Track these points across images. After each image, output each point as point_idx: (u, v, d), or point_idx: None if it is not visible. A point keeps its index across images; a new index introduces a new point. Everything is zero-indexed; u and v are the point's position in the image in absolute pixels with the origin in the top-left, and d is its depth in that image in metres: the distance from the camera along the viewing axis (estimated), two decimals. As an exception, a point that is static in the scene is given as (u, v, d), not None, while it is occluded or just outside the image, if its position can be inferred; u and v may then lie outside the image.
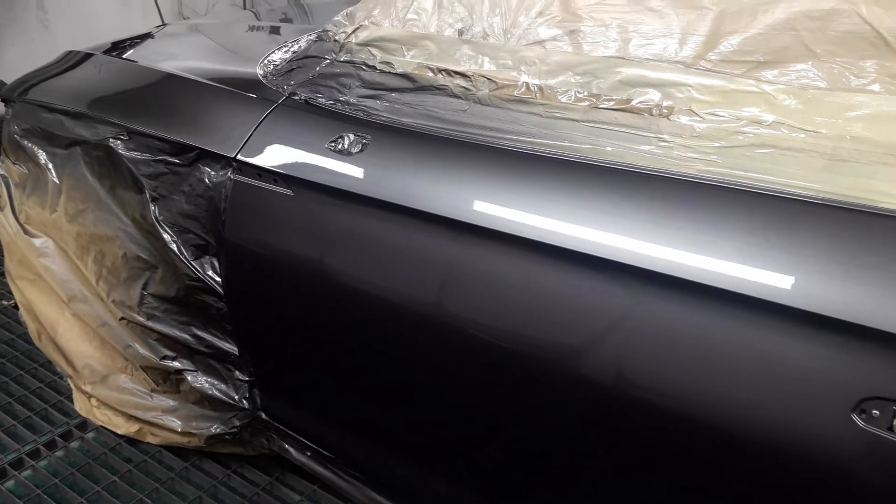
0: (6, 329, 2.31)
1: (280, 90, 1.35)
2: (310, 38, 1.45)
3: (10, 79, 2.04)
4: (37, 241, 1.78)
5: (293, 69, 1.39)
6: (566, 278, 0.94)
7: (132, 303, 1.62)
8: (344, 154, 1.19)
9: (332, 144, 1.21)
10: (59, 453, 1.83)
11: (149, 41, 1.91)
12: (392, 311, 1.14)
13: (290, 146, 1.27)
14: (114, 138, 1.52)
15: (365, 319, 1.19)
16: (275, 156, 1.28)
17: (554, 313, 0.95)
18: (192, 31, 2.12)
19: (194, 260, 1.48)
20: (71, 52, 1.88)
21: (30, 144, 1.75)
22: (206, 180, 1.40)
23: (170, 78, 1.54)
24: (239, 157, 1.32)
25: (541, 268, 0.96)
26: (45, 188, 1.72)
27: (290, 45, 1.56)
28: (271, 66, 1.47)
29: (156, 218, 1.49)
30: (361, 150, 1.17)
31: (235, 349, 1.53)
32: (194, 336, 1.58)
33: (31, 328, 1.92)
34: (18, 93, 1.84)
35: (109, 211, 1.61)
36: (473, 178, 1.05)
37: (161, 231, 1.49)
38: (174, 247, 1.49)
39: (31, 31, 4.91)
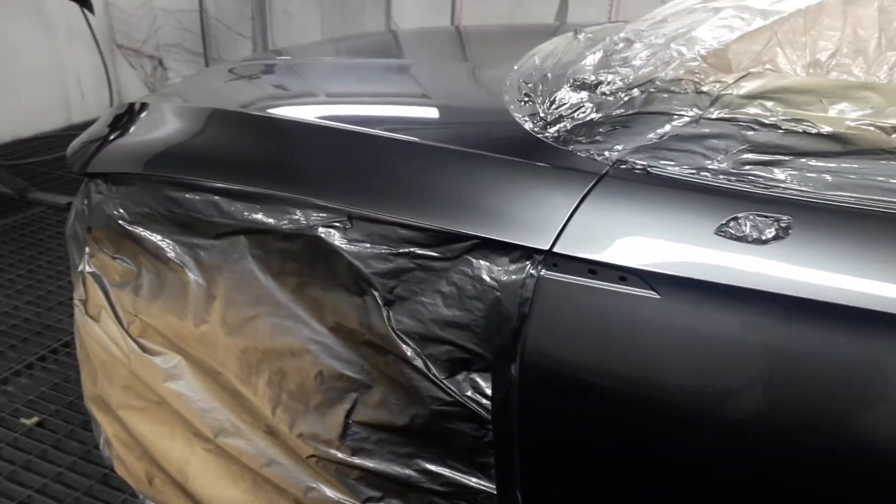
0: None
1: (592, 156, 1.05)
2: (600, 87, 1.14)
3: None
4: (160, 360, 1.35)
5: (597, 125, 1.09)
6: None
7: (330, 435, 1.24)
8: (749, 241, 0.91)
9: (726, 229, 0.93)
10: None
11: (289, 79, 1.53)
12: (837, 470, 0.87)
13: (647, 233, 0.97)
14: (325, 226, 1.15)
15: (780, 475, 0.91)
16: (621, 246, 0.97)
17: None
18: (343, 63, 1.73)
19: (447, 378, 1.14)
20: (168, 105, 1.47)
21: (147, 234, 1.32)
22: (486, 278, 1.07)
23: (408, 145, 1.18)
24: (557, 248, 1.01)
25: None
26: (178, 292, 1.30)
27: (545, 87, 1.26)
28: (541, 121, 1.15)
29: (391, 327, 1.14)
30: (779, 236, 0.90)
31: (491, 486, 1.19)
32: (422, 471, 1.22)
33: (137, 469, 1.47)
34: (107, 164, 1.41)
35: (295, 318, 1.23)
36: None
37: (397, 343, 1.14)
38: (419, 362, 1.14)
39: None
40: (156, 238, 1.31)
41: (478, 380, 1.13)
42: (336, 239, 1.14)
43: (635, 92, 1.07)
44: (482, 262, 1.07)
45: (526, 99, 1.29)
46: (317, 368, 1.23)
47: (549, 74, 1.36)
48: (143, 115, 1.54)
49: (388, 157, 1.17)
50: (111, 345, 1.38)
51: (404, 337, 1.14)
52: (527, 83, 1.38)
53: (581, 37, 1.88)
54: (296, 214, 1.17)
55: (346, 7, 4.19)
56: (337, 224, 1.14)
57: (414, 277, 1.12)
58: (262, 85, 1.55)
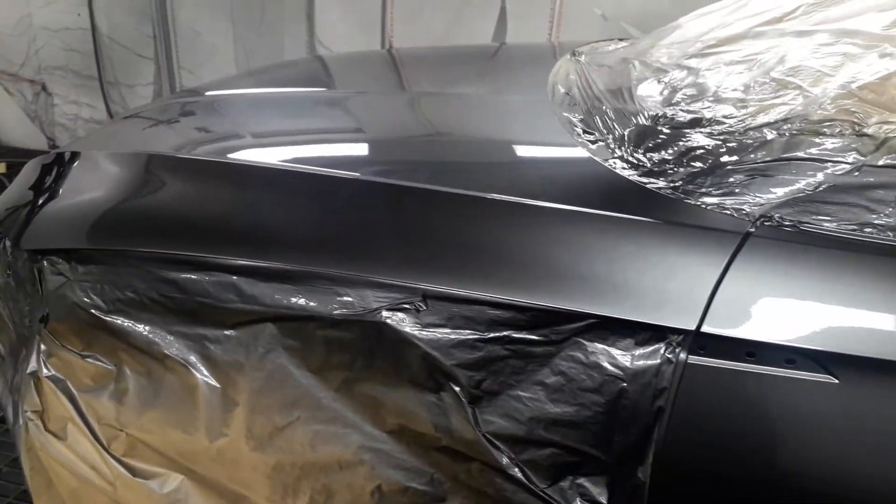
0: None
1: (728, 211, 0.87)
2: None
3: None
4: (156, 484, 1.05)
5: (726, 173, 0.91)
6: None
7: (394, 562, 1.00)
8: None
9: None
10: None
11: (305, 115, 1.25)
12: None
13: (814, 304, 0.80)
14: (391, 309, 0.91)
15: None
16: (785, 322, 0.80)
17: None
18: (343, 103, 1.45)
19: (549, 486, 0.93)
20: (151, 155, 1.17)
21: (132, 325, 1.03)
22: (607, 365, 0.87)
23: (493, 204, 0.95)
24: (705, 328, 0.82)
25: None
26: (182, 398, 1.02)
27: (608, 124, 1.07)
28: (639, 167, 0.97)
29: (478, 429, 0.92)
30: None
31: None
32: None
33: None
34: (61, 236, 1.11)
35: (343, 422, 0.98)
36: None
37: (485, 447, 0.92)
38: (515, 470, 0.92)
39: None
40: (145, 330, 1.03)
41: (587, 485, 0.93)
42: (406, 325, 0.91)
43: (768, 134, 0.90)
44: (599, 345, 0.87)
45: (593, 139, 1.10)
46: (373, 483, 0.98)
47: (604, 107, 1.19)
48: (96, 168, 1.23)
49: (470, 220, 0.94)
50: (85, 468, 1.08)
51: (494, 440, 0.92)
52: (577, 118, 1.20)
53: (583, 59, 1.73)
54: (348, 296, 0.93)
55: (262, 25, 3.88)
56: (407, 306, 0.91)
57: (508, 367, 0.91)
58: (267, 123, 1.28)
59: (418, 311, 0.91)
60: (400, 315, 0.91)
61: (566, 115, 1.22)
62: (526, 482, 0.92)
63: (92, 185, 1.19)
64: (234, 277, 0.97)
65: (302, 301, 0.95)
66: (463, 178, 1.03)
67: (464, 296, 0.89)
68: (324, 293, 0.94)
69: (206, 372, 1.01)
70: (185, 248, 0.99)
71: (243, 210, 1.03)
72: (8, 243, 1.39)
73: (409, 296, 0.91)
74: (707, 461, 0.85)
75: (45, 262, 1.10)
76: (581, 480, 0.92)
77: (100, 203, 1.13)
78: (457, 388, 0.92)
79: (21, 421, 1.18)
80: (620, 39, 2.14)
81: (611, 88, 1.34)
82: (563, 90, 1.39)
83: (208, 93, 1.62)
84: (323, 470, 0.99)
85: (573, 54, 1.78)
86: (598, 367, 0.87)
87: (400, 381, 0.95)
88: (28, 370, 1.13)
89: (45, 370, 1.10)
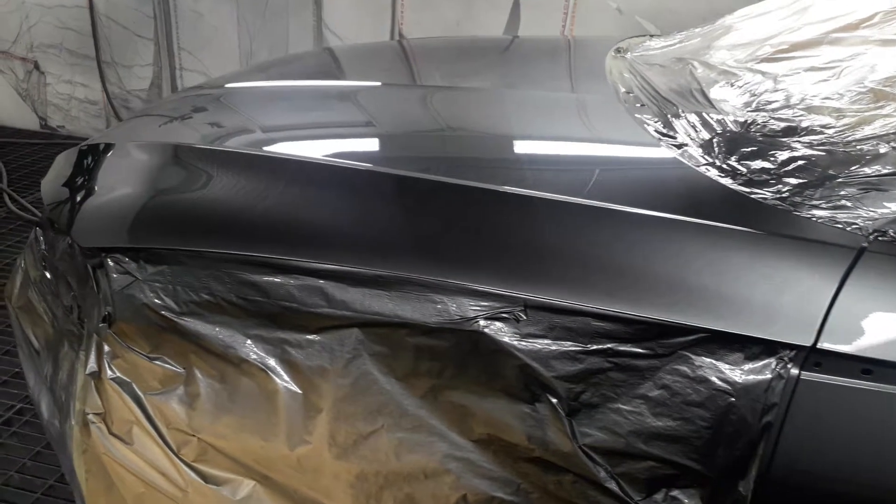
0: None
1: (840, 225, 0.86)
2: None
3: None
4: (228, 490, 1.02)
5: (836, 186, 0.89)
6: None
7: (477, 573, 0.98)
8: None
9: None
10: None
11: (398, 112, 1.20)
12: None
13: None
14: (490, 318, 0.89)
15: None
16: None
17: None
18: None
19: (644, 499, 0.92)
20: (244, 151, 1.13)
21: (208, 328, 0.99)
22: (714, 380, 0.85)
23: (597, 212, 0.93)
24: (822, 344, 0.81)
25: None
26: (260, 404, 0.99)
27: (690, 128, 1.05)
28: (739, 176, 0.95)
29: (575, 441, 0.90)
30: None
31: None
32: None
33: None
34: (124, 233, 1.06)
35: (428, 431, 0.96)
36: None
37: (581, 459, 0.90)
38: (612, 483, 0.91)
39: None
40: (221, 333, 0.99)
41: (682, 498, 0.92)
42: (505, 335, 0.89)
43: (881, 147, 0.89)
44: (706, 359, 0.86)
45: (676, 142, 1.09)
46: (458, 492, 0.96)
47: (679, 110, 1.17)
48: (156, 161, 1.19)
49: (573, 228, 0.92)
50: (153, 473, 1.04)
51: (591, 453, 0.90)
52: (650, 119, 1.18)
53: (629, 56, 1.71)
54: (444, 303, 0.90)
55: (266, 9, 3.80)
56: (506, 315, 0.89)
57: (609, 380, 0.89)
58: (344, 119, 1.23)
59: (518, 320, 0.89)
60: (498, 324, 0.89)
61: (638, 116, 1.20)
62: (621, 494, 0.91)
63: (155, 180, 1.15)
64: (322, 281, 0.94)
65: (395, 307, 0.92)
66: (563, 183, 1.01)
67: (567, 306, 0.87)
68: (418, 300, 0.91)
69: (286, 377, 0.98)
70: (271, 250, 0.95)
71: (333, 212, 0.99)
72: (42, 234, 1.34)
73: (507, 305, 0.89)
74: (817, 478, 0.84)
75: (108, 261, 1.05)
76: (676, 493, 0.91)
77: (169, 200, 1.09)
78: (554, 400, 0.90)
79: (74, 422, 1.14)
80: (651, 36, 2.12)
81: (675, 90, 1.32)
82: (623, 89, 1.37)
83: (257, 83, 1.57)
84: (407, 479, 0.97)
85: (617, 51, 1.76)
86: (706, 381, 0.86)
87: (492, 391, 0.92)
88: (88, 371, 1.09)
89: (109, 372, 1.06)
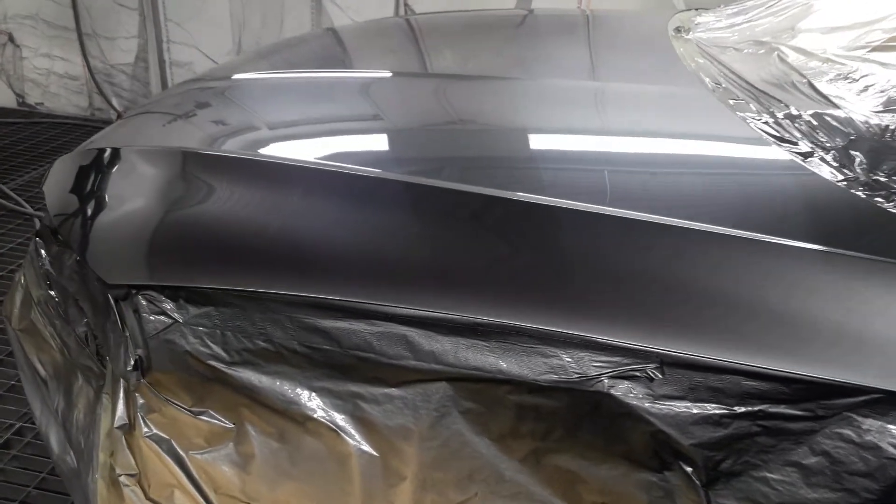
0: None
1: None
2: None
3: None
4: (290, 564, 0.88)
5: None
6: None
7: None
8: None
9: None
10: None
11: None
12: None
13: None
14: (616, 377, 0.74)
15: None
16: None
17: None
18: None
19: (786, 575, 0.79)
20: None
21: (263, 380, 0.84)
22: (884, 446, 0.72)
23: (751, 246, 0.77)
24: None
25: None
26: (329, 468, 0.84)
27: (815, 133, 0.90)
28: (892, 192, 0.80)
29: (712, 516, 0.76)
30: None
31: None
32: None
33: None
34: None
35: (529, 498, 0.81)
36: None
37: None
38: (753, 562, 0.77)
39: None
40: (280, 386, 0.84)
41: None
42: (634, 397, 0.74)
43: None
44: (876, 422, 0.72)
45: (800, 151, 0.93)
46: (564, 567, 0.83)
47: (791, 109, 1.02)
48: (187, 177, 1.01)
49: (716, 266, 0.77)
50: (198, 545, 0.89)
51: (730, 527, 0.77)
52: (756, 119, 1.03)
53: (691, 37, 1.55)
54: (559, 357, 0.76)
55: (262, -22, 3.56)
56: (637, 373, 0.74)
57: (755, 445, 0.75)
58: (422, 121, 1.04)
59: (651, 379, 0.74)
60: (626, 384, 0.75)
61: (740, 115, 1.05)
62: (762, 573, 0.78)
63: (189, 199, 0.98)
64: (406, 329, 0.79)
65: (497, 361, 0.77)
66: (703, 210, 0.85)
67: (713, 363, 0.73)
68: (525, 353, 0.76)
69: (359, 438, 0.83)
70: (343, 293, 0.79)
71: (422, 247, 0.83)
72: (43, 245, 1.18)
73: (638, 361, 0.74)
74: None
75: (140, 299, 0.89)
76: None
77: (214, 228, 0.92)
78: (689, 469, 0.76)
79: (100, 476, 0.99)
80: (698, 10, 1.95)
81: (770, 81, 1.16)
82: (707, 80, 1.22)
83: (285, 73, 1.38)
84: (505, 553, 0.83)
85: (677, 31, 1.60)
86: (875, 447, 0.72)
87: (610, 456, 0.78)
88: (117, 424, 0.93)
89: (144, 428, 0.90)
